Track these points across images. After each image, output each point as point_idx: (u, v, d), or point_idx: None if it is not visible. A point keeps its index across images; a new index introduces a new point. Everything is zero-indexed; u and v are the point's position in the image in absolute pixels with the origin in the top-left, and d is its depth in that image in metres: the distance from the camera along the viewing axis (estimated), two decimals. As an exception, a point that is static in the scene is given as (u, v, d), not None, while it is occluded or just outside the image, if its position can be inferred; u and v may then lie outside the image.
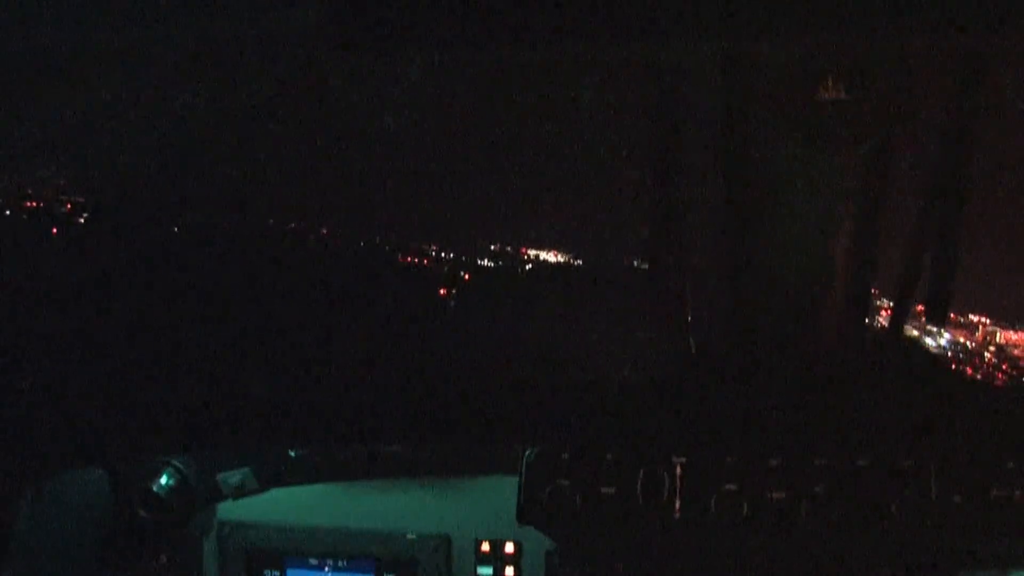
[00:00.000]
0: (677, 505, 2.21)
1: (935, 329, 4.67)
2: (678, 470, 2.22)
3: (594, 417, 2.26)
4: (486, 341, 4.96)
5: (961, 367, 5.06)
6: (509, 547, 2.58)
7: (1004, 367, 5.09)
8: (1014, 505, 2.10)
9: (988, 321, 4.90)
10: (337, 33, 1.17)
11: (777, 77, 1.68)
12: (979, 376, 5.06)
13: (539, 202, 5.67)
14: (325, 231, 6.21)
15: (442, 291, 4.95)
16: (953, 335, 4.94)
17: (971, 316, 4.95)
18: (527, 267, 5.32)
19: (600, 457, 2.24)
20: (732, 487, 2.19)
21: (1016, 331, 5.01)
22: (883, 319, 2.44)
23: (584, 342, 4.95)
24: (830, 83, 1.59)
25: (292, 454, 2.55)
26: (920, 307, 2.25)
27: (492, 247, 5.64)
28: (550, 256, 5.44)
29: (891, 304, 2.32)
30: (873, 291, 2.26)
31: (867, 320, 2.29)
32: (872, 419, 2.18)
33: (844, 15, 1.13)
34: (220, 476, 2.49)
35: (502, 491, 2.46)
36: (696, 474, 2.22)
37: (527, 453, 2.29)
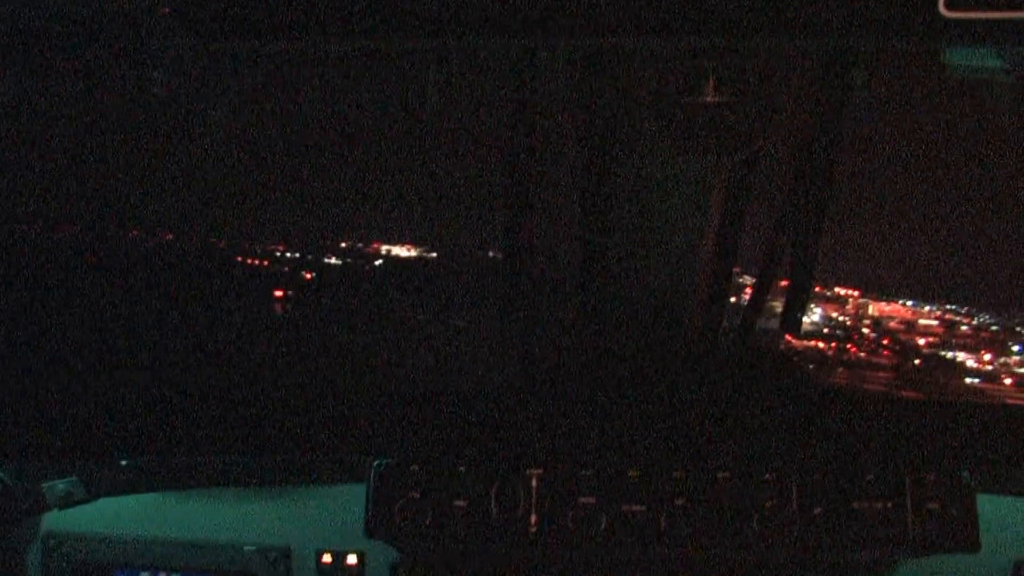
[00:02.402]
0: (533, 519, 2.16)
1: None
2: (534, 483, 2.17)
3: (446, 426, 2.23)
4: (330, 343, 4.52)
5: (842, 346, 4.93)
6: (352, 559, 2.46)
7: (885, 341, 5.00)
8: (874, 516, 2.13)
9: (856, 293, 4.83)
10: (193, 20, 1.15)
11: (647, 77, 1.68)
12: (863, 355, 4.94)
13: (390, 195, 5.32)
14: (170, 236, 5.74)
15: (277, 292, 4.50)
16: (825, 310, 4.81)
17: (838, 289, 4.85)
18: (376, 263, 4.89)
19: (452, 469, 2.19)
20: (589, 500, 2.15)
21: (888, 302, 4.90)
22: (743, 311, 2.40)
23: (435, 341, 4.60)
24: (706, 86, 1.60)
25: (123, 463, 2.42)
26: (784, 282, 2.22)
27: (343, 244, 5.24)
28: (403, 251, 5.04)
29: (753, 283, 2.32)
30: (735, 269, 2.26)
31: (725, 317, 2.30)
32: (732, 428, 2.19)
33: (718, 17, 1.15)
34: (44, 485, 2.39)
35: (347, 501, 2.38)
36: (552, 487, 2.17)
37: (376, 464, 2.22)
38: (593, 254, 2.14)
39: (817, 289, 4.68)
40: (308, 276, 4.80)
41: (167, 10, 1.21)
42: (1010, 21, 1.14)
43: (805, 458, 2.16)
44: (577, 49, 1.71)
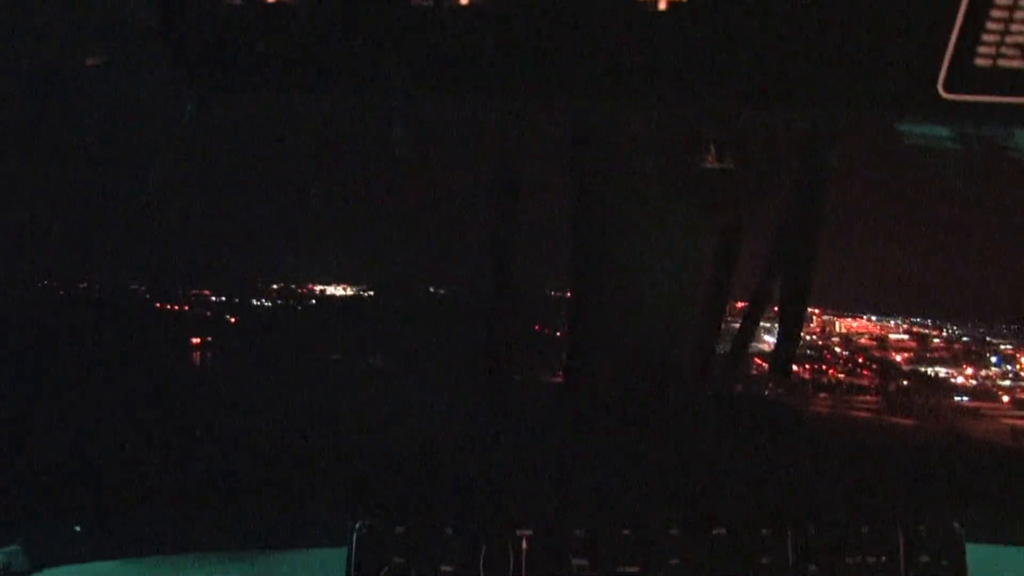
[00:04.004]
0: None
1: (771, 326, 4.30)
2: (524, 544, 2.11)
3: (429, 485, 2.17)
4: (273, 392, 4.14)
5: (817, 367, 4.71)
6: None
7: (860, 360, 4.80)
8: (868, 569, 2.13)
9: (819, 311, 4.65)
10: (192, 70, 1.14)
11: (645, 140, 1.72)
12: (843, 376, 4.73)
13: (326, 234, 5.03)
14: (84, 284, 5.37)
15: (194, 339, 4.12)
16: None
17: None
18: (310, 303, 4.53)
19: (438, 532, 2.11)
20: (582, 562, 2.10)
21: (854, 318, 4.71)
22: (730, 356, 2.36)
23: (391, 388, 4.29)
24: (704, 152, 1.64)
25: (77, 528, 2.25)
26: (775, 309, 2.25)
27: (274, 286, 4.88)
28: (338, 290, 4.69)
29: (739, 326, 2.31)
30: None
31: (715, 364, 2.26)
32: (725, 480, 2.17)
33: (717, 87, 1.16)
34: (-19, 556, 2.20)
35: (327, 567, 2.25)
36: (543, 549, 2.12)
37: (357, 526, 2.13)
38: (583, 299, 2.09)
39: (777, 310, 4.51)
40: (232, 320, 4.43)
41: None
42: (1008, 104, 1.16)
43: (800, 511, 2.13)
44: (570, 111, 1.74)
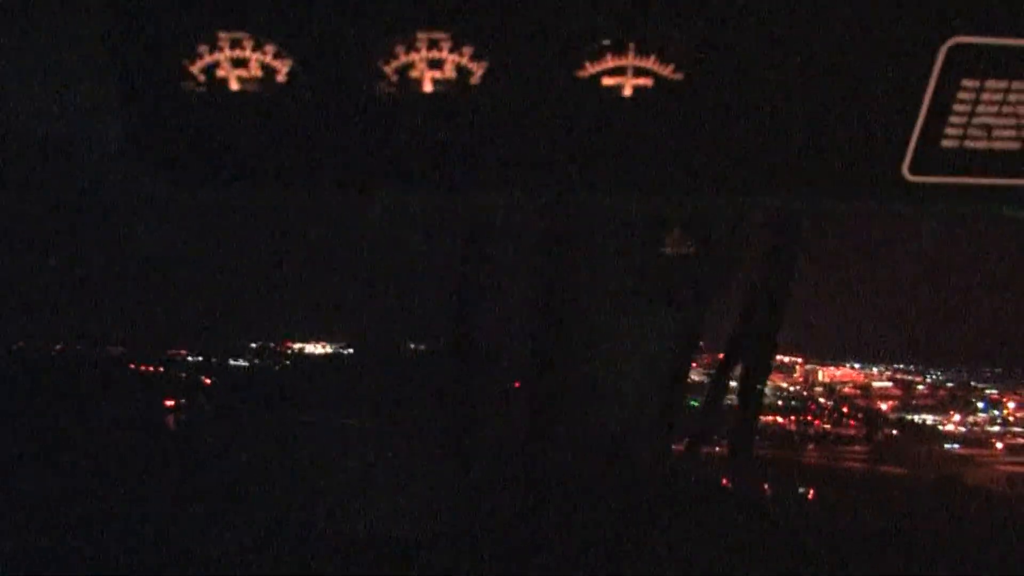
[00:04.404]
0: None
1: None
2: None
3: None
4: (231, 463, 4.03)
5: (802, 418, 4.65)
6: None
7: (845, 409, 4.75)
8: None
9: (801, 360, 4.60)
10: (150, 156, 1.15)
11: (609, 232, 1.70)
12: (828, 426, 4.67)
13: (303, 293, 4.99)
14: (60, 346, 5.29)
15: (168, 402, 4.02)
16: (773, 380, 4.54)
17: (780, 358, 4.60)
18: (287, 363, 4.46)
19: None
20: None
21: (836, 366, 4.67)
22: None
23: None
24: (668, 241, 1.62)
25: None
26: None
27: (252, 344, 4.81)
28: (316, 347, 4.63)
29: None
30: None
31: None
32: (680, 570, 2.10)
33: (680, 176, 1.17)
34: None
35: None
36: None
37: None
38: (542, 379, 2.08)
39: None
40: (207, 381, 4.34)
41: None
42: (973, 187, 1.17)
43: None
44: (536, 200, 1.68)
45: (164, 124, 1.13)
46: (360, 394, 4.38)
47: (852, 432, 4.73)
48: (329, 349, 4.63)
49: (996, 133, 1.16)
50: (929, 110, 1.14)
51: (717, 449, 2.43)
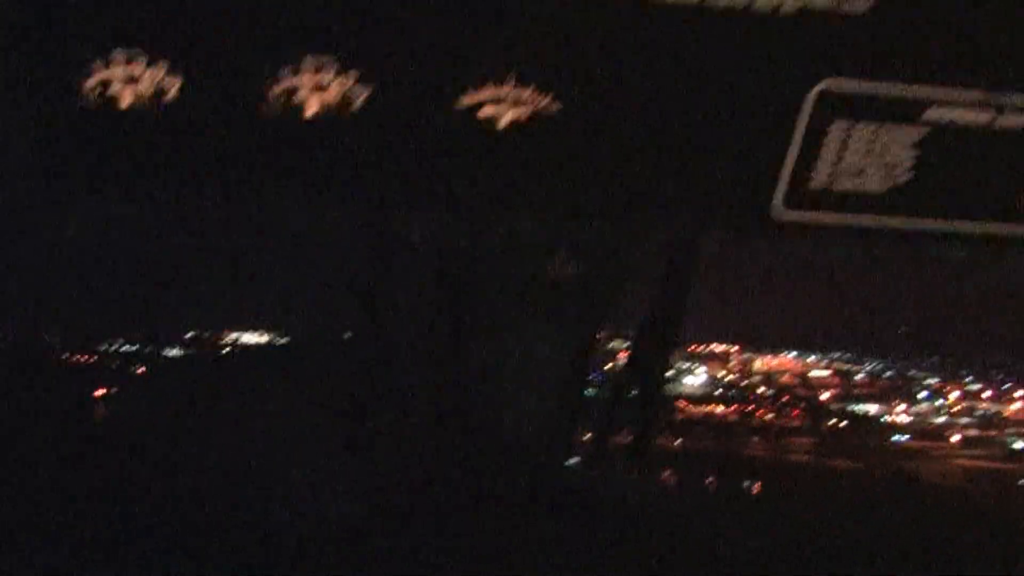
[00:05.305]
0: None
1: (688, 366, 4.26)
2: None
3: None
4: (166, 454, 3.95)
5: (742, 408, 4.63)
6: None
7: (785, 399, 4.74)
8: None
9: (737, 348, 4.60)
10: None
11: (502, 253, 1.72)
12: (771, 417, 4.66)
13: (239, 279, 4.90)
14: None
15: (98, 391, 3.95)
16: (709, 369, 4.53)
17: (714, 346, 4.60)
18: (222, 353, 4.39)
19: None
20: None
21: (774, 355, 4.68)
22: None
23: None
24: (558, 263, 1.65)
25: None
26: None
27: (187, 335, 4.71)
28: (253, 337, 4.55)
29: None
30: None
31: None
32: None
33: (572, 203, 1.19)
34: None
35: None
36: None
37: None
38: (444, 388, 2.10)
39: (694, 348, 4.46)
40: (140, 371, 4.26)
41: None
42: (842, 224, 1.20)
43: None
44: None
45: (61, 138, 1.15)
46: (294, 384, 4.32)
47: (796, 423, 4.74)
48: (265, 339, 4.57)
49: (867, 173, 1.17)
50: (801, 150, 1.16)
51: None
